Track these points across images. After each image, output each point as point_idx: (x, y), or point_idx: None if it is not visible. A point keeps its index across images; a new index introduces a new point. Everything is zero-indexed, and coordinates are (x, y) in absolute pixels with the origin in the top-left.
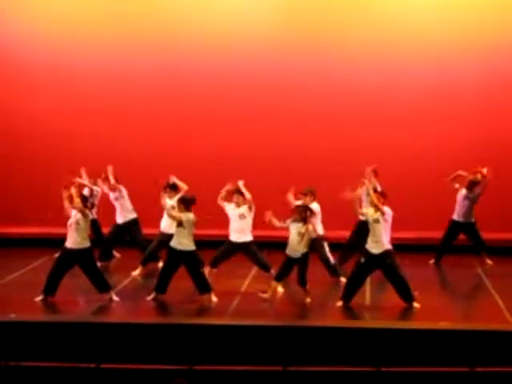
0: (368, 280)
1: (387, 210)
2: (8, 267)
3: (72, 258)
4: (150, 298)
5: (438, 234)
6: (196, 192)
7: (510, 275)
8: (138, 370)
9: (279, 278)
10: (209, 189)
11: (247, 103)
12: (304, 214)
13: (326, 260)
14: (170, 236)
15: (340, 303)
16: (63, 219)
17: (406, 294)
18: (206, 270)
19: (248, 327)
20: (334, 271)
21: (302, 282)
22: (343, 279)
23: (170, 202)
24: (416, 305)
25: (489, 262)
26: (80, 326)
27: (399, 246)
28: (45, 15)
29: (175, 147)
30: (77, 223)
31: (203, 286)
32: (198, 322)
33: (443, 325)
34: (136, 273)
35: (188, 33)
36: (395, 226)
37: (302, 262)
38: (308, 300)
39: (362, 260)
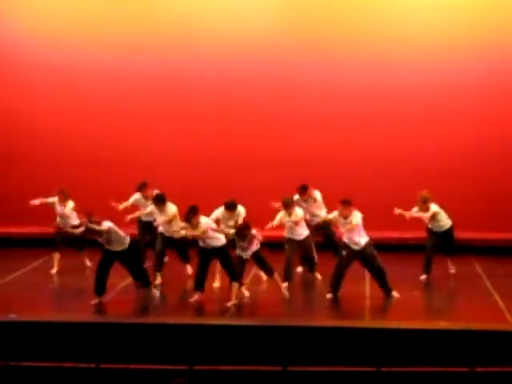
0: (368, 278)
1: (358, 213)
2: (8, 267)
3: (113, 257)
4: (193, 299)
5: None
6: (196, 192)
7: (509, 275)
8: (138, 370)
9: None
10: (209, 189)
11: (247, 103)
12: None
13: (312, 258)
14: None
15: (330, 295)
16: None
17: (383, 284)
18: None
19: (248, 327)
20: (313, 268)
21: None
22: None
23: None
24: (395, 294)
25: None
26: (80, 326)
27: (399, 246)
28: (44, 15)
29: (175, 147)
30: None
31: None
32: (198, 322)
33: (443, 325)
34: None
35: (187, 33)
36: (395, 226)
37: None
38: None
39: (344, 253)
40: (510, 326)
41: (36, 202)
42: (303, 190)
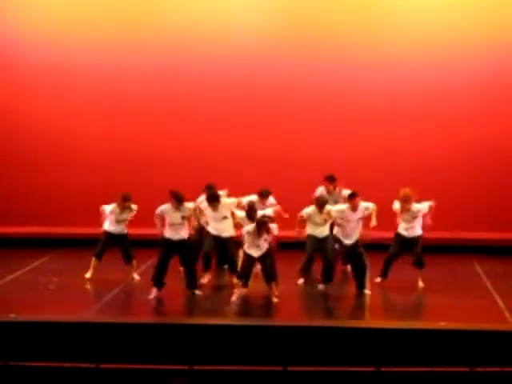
0: (368, 278)
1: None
2: (8, 267)
3: (173, 248)
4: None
5: (437, 234)
6: (194, 191)
7: (509, 275)
8: (138, 369)
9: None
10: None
11: (246, 104)
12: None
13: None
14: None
15: (322, 286)
16: (64, 219)
17: (361, 280)
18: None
19: (248, 327)
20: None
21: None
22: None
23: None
24: (367, 291)
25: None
26: (80, 326)
27: None
28: (45, 15)
29: (175, 147)
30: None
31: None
32: (198, 322)
33: (443, 325)
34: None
35: (187, 33)
36: (395, 226)
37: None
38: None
39: (337, 246)
40: (510, 326)
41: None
42: (331, 180)
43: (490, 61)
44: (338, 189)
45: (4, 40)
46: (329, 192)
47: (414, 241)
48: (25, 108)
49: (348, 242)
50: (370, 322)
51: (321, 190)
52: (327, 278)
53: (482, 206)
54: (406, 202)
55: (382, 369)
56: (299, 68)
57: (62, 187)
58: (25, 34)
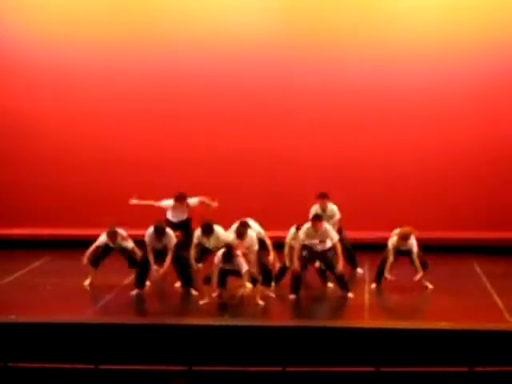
0: (367, 278)
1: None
2: (8, 268)
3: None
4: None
5: (438, 234)
6: (195, 193)
7: (509, 275)
8: (138, 370)
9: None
10: (207, 190)
11: (245, 104)
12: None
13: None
14: None
15: (293, 296)
16: (63, 220)
17: (342, 284)
18: None
19: (248, 327)
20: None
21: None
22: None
23: None
24: (350, 295)
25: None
26: (79, 326)
27: None
28: (45, 15)
29: (175, 147)
30: None
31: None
32: (198, 322)
33: (443, 325)
34: None
35: (188, 33)
36: (395, 226)
37: None
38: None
39: (304, 254)
40: (509, 326)
41: (135, 201)
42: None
43: (489, 60)
44: (330, 205)
45: (4, 40)
46: (323, 210)
47: (409, 250)
48: (24, 109)
49: (318, 248)
50: (369, 321)
51: (316, 208)
52: (295, 288)
53: (482, 205)
54: (404, 238)
55: (382, 369)
56: (299, 68)
57: (62, 188)
58: (25, 35)
